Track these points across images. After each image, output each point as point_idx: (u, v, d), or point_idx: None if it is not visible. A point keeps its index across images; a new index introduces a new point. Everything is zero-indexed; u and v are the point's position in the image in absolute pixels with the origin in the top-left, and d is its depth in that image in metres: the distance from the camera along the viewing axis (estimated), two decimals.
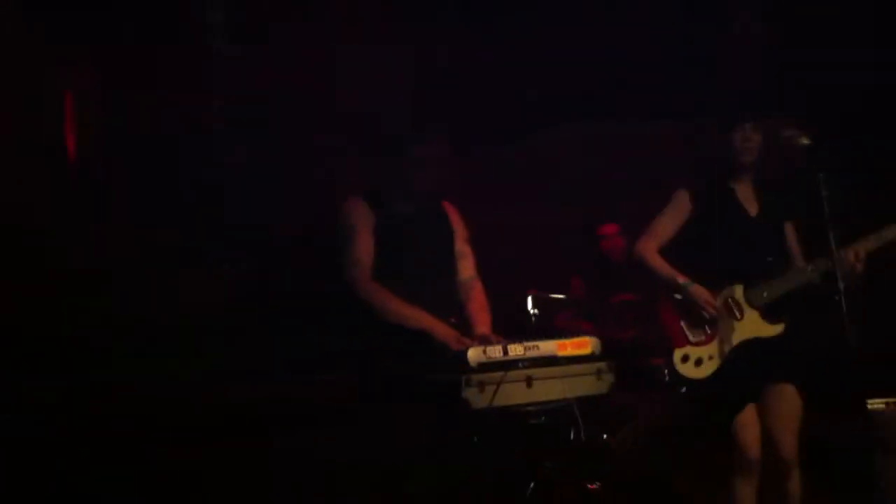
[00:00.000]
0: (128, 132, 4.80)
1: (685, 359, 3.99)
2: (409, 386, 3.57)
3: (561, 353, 3.64)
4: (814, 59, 5.85)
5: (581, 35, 6.16)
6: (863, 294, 3.83)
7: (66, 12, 4.66)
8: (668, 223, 4.08)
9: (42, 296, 4.46)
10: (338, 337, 3.98)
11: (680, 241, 4.09)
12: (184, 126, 4.98)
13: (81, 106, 4.77)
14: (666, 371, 4.01)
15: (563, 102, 6.33)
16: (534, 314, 5.47)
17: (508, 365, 3.51)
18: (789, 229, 4.12)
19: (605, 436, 4.99)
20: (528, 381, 3.54)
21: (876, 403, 4.40)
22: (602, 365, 3.69)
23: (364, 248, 3.85)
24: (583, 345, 3.70)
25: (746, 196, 4.10)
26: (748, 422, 3.95)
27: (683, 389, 4.04)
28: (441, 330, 3.70)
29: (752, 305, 3.98)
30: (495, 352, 3.53)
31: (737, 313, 3.99)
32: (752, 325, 3.97)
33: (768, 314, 3.97)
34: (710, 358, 3.98)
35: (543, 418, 3.61)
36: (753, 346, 3.97)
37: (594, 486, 4.07)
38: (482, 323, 3.96)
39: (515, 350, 3.57)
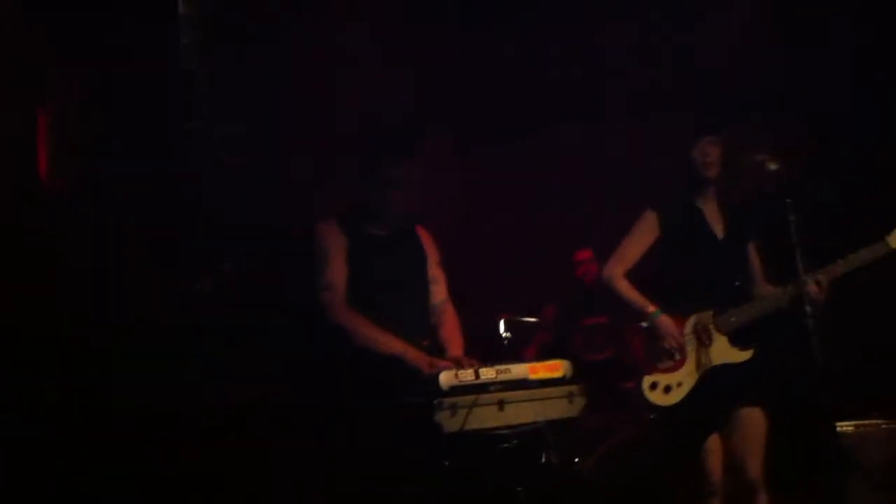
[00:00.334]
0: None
1: (654, 386, 4.00)
2: (382, 409, 3.57)
3: (532, 377, 3.66)
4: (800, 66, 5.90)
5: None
6: (830, 318, 3.87)
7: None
8: (635, 246, 4.08)
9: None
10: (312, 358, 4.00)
11: (648, 263, 4.11)
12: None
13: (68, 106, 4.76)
14: (636, 397, 4.04)
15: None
16: (506, 338, 5.48)
17: (480, 388, 3.53)
18: (752, 250, 4.15)
19: (576, 459, 5.00)
20: (500, 405, 3.55)
21: (844, 426, 4.46)
22: (573, 388, 3.71)
23: (336, 272, 3.86)
24: (554, 368, 3.72)
25: (713, 216, 4.10)
26: (713, 447, 3.97)
27: (652, 416, 4.08)
28: (413, 354, 3.71)
29: (721, 331, 4.00)
30: (467, 375, 3.54)
31: (706, 339, 4.00)
32: (721, 351, 3.99)
33: (737, 339, 3.99)
34: (679, 385, 3.99)
35: (515, 441, 3.61)
36: (722, 371, 3.99)
37: None
38: (455, 346, 3.99)
39: (487, 373, 3.59)
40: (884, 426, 4.55)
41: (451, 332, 4.05)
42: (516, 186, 6.45)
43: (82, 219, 4.58)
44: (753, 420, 3.96)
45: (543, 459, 3.71)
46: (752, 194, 4.05)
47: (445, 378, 3.49)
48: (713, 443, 3.97)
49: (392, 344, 3.74)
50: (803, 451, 4.52)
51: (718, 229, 4.09)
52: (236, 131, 5.02)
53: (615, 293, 4.07)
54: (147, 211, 4.68)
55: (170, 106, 4.77)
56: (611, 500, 4.84)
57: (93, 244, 4.57)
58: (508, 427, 3.58)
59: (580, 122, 6.28)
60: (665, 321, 3.98)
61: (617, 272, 4.06)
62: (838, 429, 4.31)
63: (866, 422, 4.56)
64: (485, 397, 3.51)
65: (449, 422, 3.42)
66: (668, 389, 3.99)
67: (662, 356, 4.01)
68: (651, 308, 4.00)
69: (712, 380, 3.98)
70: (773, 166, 3.81)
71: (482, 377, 3.57)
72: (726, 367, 3.98)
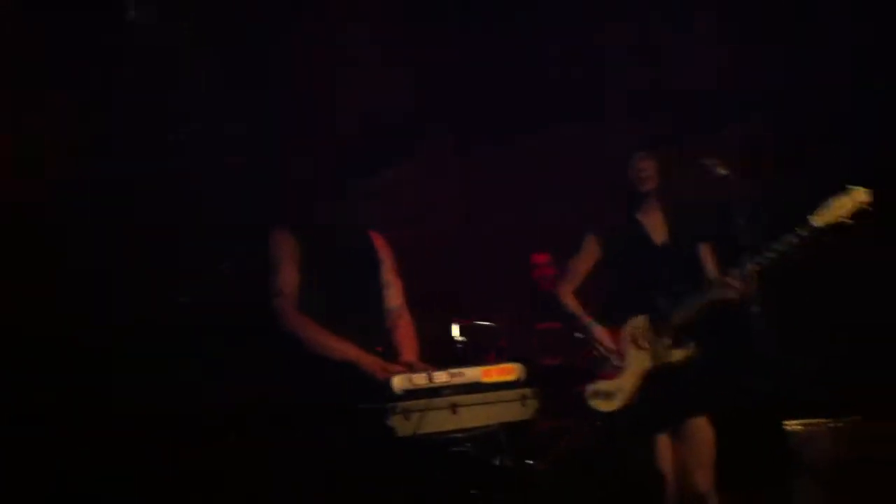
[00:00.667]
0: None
1: (596, 393, 4.16)
2: (334, 415, 3.58)
3: (486, 380, 3.67)
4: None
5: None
6: (777, 317, 3.92)
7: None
8: (580, 266, 4.34)
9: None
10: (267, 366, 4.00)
11: (595, 279, 4.29)
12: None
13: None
14: (582, 404, 4.17)
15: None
16: (460, 342, 5.50)
17: (433, 392, 3.54)
18: (706, 251, 4.21)
19: (530, 461, 5.02)
20: (454, 408, 3.56)
21: (792, 425, 4.53)
22: (526, 391, 3.73)
23: (288, 279, 3.86)
24: (507, 371, 3.74)
25: (654, 225, 4.21)
26: (661, 450, 4.03)
27: (598, 422, 4.15)
28: (366, 360, 3.71)
29: (658, 334, 4.07)
30: (420, 379, 3.55)
31: (643, 343, 4.08)
32: (658, 354, 4.08)
33: (674, 341, 4.06)
34: (619, 390, 4.11)
35: (469, 445, 3.62)
36: (663, 375, 4.06)
37: None
38: (409, 351, 4.00)
39: (440, 377, 3.60)
40: (830, 425, 4.63)
41: (406, 337, 4.06)
42: (480, 190, 6.49)
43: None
44: (699, 431, 4.03)
45: (497, 462, 3.73)
46: (700, 199, 4.13)
47: (398, 382, 3.49)
48: (663, 447, 4.03)
49: (345, 349, 3.74)
50: (751, 451, 4.58)
51: (658, 236, 4.19)
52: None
53: (561, 308, 4.34)
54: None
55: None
56: (565, 502, 4.88)
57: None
58: (462, 430, 3.58)
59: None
60: (597, 330, 4.21)
61: (564, 290, 4.35)
62: (786, 428, 4.39)
63: (813, 421, 4.65)
64: (438, 401, 3.52)
65: (402, 426, 3.42)
66: (608, 396, 4.13)
67: (603, 364, 4.14)
68: (587, 319, 4.24)
69: (655, 384, 4.05)
70: (721, 171, 3.87)
71: (435, 381, 3.58)
72: (668, 372, 4.04)
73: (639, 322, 4.11)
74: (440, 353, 4.26)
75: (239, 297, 4.68)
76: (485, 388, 3.66)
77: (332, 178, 4.04)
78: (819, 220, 3.80)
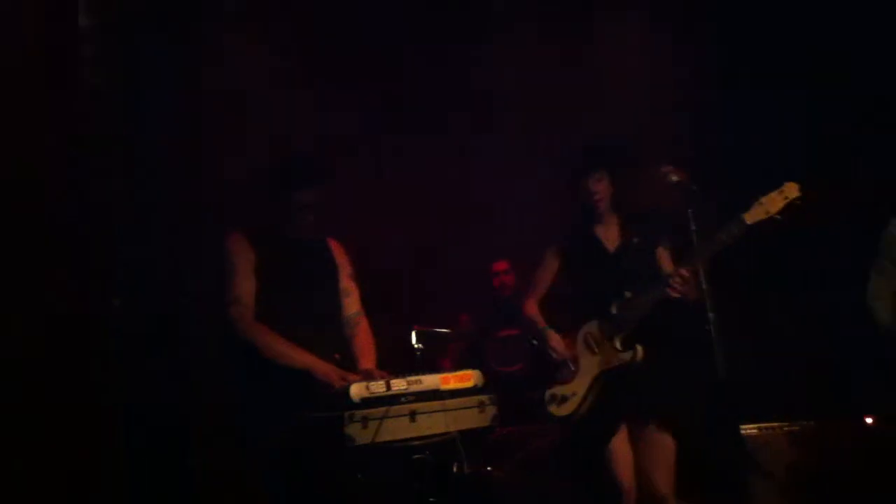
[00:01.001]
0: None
1: (552, 398, 4.21)
2: (291, 424, 3.55)
3: (444, 387, 3.67)
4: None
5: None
6: (732, 321, 3.95)
7: None
8: (541, 278, 4.41)
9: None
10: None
11: (558, 288, 4.35)
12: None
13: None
14: (540, 409, 4.21)
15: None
16: (418, 349, 5.49)
17: (391, 400, 3.53)
18: (663, 255, 4.24)
19: (488, 468, 5.04)
20: (412, 416, 3.56)
21: (748, 428, 4.57)
22: (485, 398, 3.73)
23: (244, 285, 3.82)
24: (465, 378, 3.74)
25: (608, 234, 4.26)
26: (619, 454, 4.06)
27: (555, 426, 4.19)
28: (323, 368, 3.69)
29: (606, 337, 4.11)
30: (378, 387, 3.54)
31: (594, 348, 4.13)
32: (608, 357, 4.11)
33: (623, 344, 4.09)
34: (573, 395, 4.15)
35: (427, 452, 3.62)
36: (614, 378, 4.09)
37: None
38: (367, 358, 3.99)
39: (398, 385, 3.59)
40: (786, 428, 4.69)
41: (364, 344, 4.05)
42: (437, 197, 6.50)
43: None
44: (654, 434, 4.05)
45: (455, 469, 3.74)
46: (655, 205, 4.16)
47: (356, 390, 3.48)
48: (621, 451, 4.05)
49: (301, 358, 3.72)
50: (708, 454, 4.61)
51: (611, 243, 4.23)
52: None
53: (522, 317, 4.44)
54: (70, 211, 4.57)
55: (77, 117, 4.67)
56: None
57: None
58: (420, 438, 3.57)
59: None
60: (550, 335, 4.28)
61: (529, 302, 4.42)
62: (742, 431, 4.43)
63: (770, 424, 4.70)
64: (396, 409, 3.52)
65: (360, 434, 3.41)
66: (563, 400, 4.17)
67: (558, 368, 4.20)
68: (541, 325, 4.32)
69: (607, 387, 4.09)
70: (674, 178, 3.90)
71: (393, 388, 3.57)
72: (621, 376, 4.07)
73: (590, 327, 4.16)
74: (398, 361, 4.24)
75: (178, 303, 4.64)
76: (443, 396, 3.65)
77: (273, 185, 4.00)
78: (750, 217, 3.81)
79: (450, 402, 3.65)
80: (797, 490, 4.51)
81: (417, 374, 3.67)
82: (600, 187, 4.18)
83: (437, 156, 6.37)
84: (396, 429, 3.50)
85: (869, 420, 4.72)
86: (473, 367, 3.84)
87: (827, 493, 4.44)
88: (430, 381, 3.66)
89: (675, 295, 3.90)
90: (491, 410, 3.74)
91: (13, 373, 4.11)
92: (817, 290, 5.66)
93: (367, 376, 3.70)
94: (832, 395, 5.36)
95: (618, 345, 4.08)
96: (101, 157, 4.68)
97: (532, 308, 4.39)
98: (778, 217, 3.77)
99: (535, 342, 4.35)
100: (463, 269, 6.46)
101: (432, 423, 3.59)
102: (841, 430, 4.66)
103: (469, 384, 3.73)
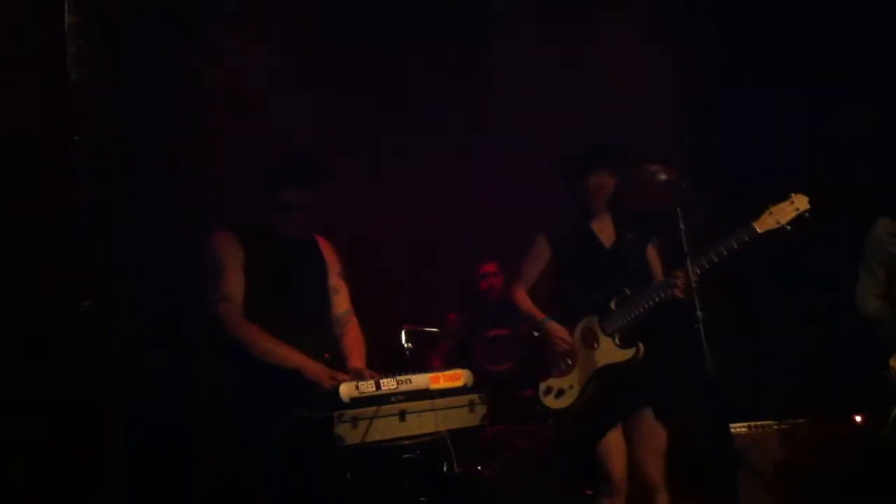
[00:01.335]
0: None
1: (548, 391, 4.20)
2: (281, 423, 3.57)
3: (434, 387, 3.69)
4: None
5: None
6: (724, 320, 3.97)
7: None
8: (531, 267, 4.35)
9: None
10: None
11: (547, 279, 4.31)
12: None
13: None
14: (534, 402, 4.19)
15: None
16: (408, 348, 5.51)
17: (381, 399, 3.54)
18: (652, 254, 4.28)
19: (478, 467, 5.06)
20: (402, 415, 3.57)
21: (738, 427, 4.59)
22: (474, 397, 3.75)
23: (233, 283, 3.79)
24: (455, 377, 3.76)
25: (603, 229, 4.29)
26: (612, 447, 4.08)
27: (550, 420, 4.19)
28: (312, 368, 3.68)
29: (606, 333, 4.14)
30: (368, 387, 3.55)
31: (593, 342, 4.15)
32: (607, 353, 4.13)
33: (623, 341, 4.12)
34: (571, 388, 4.16)
35: (417, 452, 3.64)
36: (613, 373, 4.12)
37: None
38: (356, 357, 3.99)
39: (388, 384, 3.61)
40: (776, 427, 4.70)
41: (353, 343, 4.05)
42: (437, 197, 6.51)
43: None
44: (648, 423, 4.09)
45: (445, 469, 3.75)
46: (645, 204, 4.19)
47: (346, 390, 3.49)
48: (614, 444, 4.08)
49: (291, 357, 3.71)
50: (698, 452, 4.64)
51: (606, 239, 4.25)
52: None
53: (515, 308, 4.36)
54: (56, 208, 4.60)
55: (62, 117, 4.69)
56: None
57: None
58: (410, 437, 3.59)
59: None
60: (552, 326, 4.23)
61: (518, 291, 4.35)
62: (732, 430, 4.45)
63: (759, 423, 4.72)
64: (386, 408, 3.53)
65: (350, 434, 3.42)
66: (560, 393, 4.17)
67: (555, 361, 4.17)
68: (540, 317, 4.25)
69: (604, 382, 4.11)
70: (663, 177, 3.92)
71: (383, 388, 3.58)
72: (617, 369, 4.10)
73: (589, 322, 4.17)
74: (388, 360, 4.26)
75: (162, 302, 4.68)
76: (433, 395, 3.66)
77: (262, 183, 4.01)
78: (760, 226, 3.87)
79: (440, 402, 3.66)
80: (786, 488, 4.52)
81: (407, 373, 3.68)
82: (610, 183, 4.22)
83: (436, 156, 6.37)
84: (386, 428, 3.52)
85: (858, 418, 4.74)
86: (463, 367, 3.85)
87: (816, 492, 4.46)
88: (419, 380, 3.67)
89: (681, 296, 3.92)
90: (481, 410, 3.75)
91: (13, 373, 4.17)
92: (815, 290, 5.67)
93: (357, 376, 3.71)
94: (822, 393, 5.37)
95: (617, 341, 4.11)
96: (101, 157, 4.72)
97: (524, 299, 4.34)
98: (788, 228, 3.82)
99: (535, 334, 4.31)
100: (462, 270, 6.48)
101: (422, 423, 3.61)
102: (830, 428, 4.68)
103: (459, 383, 3.75)
